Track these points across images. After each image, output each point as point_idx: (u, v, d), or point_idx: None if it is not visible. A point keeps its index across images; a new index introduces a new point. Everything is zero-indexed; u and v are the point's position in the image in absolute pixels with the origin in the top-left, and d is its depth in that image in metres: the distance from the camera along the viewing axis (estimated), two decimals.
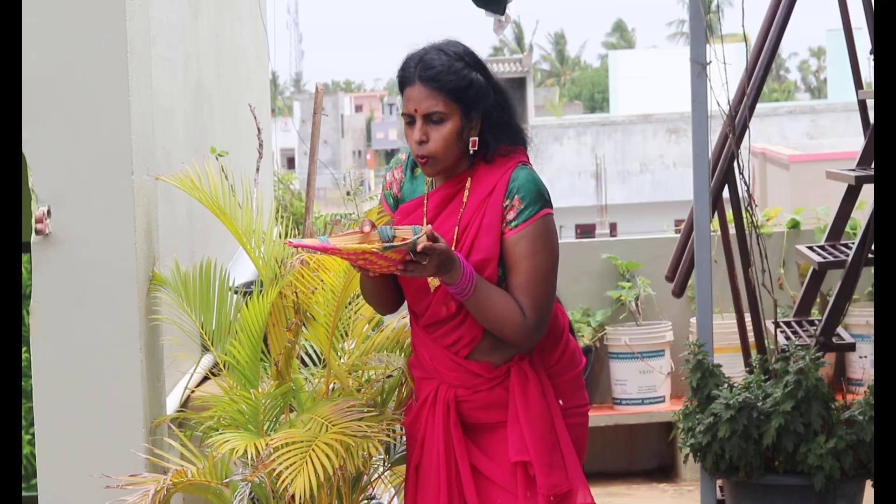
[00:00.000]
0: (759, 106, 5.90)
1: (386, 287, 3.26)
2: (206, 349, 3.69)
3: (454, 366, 3.20)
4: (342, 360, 3.49)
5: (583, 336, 6.42)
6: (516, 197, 3.13)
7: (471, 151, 3.16)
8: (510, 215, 3.13)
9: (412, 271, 3.00)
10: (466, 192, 3.19)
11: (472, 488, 3.22)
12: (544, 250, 3.14)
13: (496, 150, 3.18)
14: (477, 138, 3.16)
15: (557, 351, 3.26)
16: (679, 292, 5.41)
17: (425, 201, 3.23)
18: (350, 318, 3.55)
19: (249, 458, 3.19)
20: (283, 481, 3.06)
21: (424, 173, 3.21)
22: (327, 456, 3.09)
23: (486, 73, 3.18)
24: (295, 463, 3.09)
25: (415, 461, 3.27)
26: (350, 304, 3.54)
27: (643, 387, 6.39)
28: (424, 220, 3.21)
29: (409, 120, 3.14)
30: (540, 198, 3.14)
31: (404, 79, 3.15)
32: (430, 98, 3.11)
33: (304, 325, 3.43)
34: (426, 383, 3.27)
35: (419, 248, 2.95)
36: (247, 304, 3.40)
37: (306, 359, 3.70)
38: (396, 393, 3.49)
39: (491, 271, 3.14)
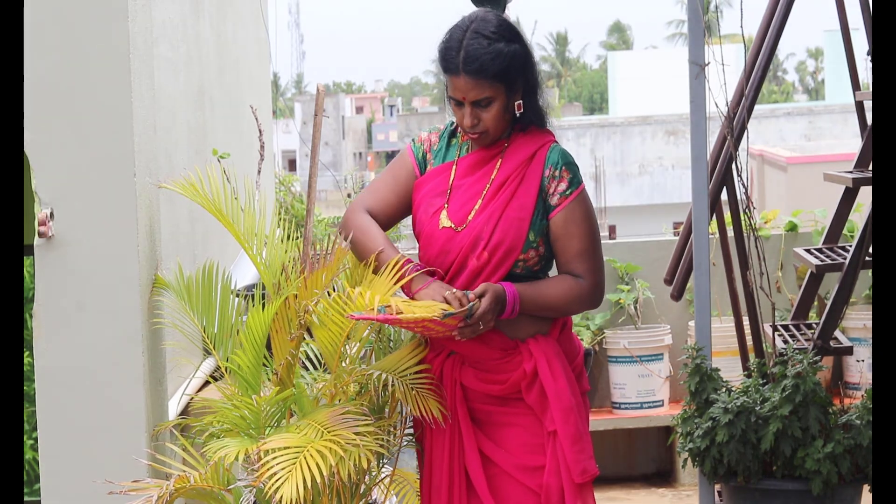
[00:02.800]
0: (756, 107, 5.90)
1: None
2: (208, 353, 3.69)
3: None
4: (345, 364, 3.48)
5: (582, 340, 6.43)
6: (564, 168, 3.28)
7: (517, 114, 3.30)
8: (562, 186, 3.28)
9: (469, 334, 3.17)
10: (500, 160, 3.31)
11: (477, 466, 3.27)
12: (592, 216, 3.34)
13: (534, 118, 3.33)
14: (522, 101, 3.30)
15: (555, 328, 3.35)
16: (678, 295, 5.41)
17: (454, 167, 3.34)
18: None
19: (251, 463, 3.18)
20: (269, 487, 3.04)
21: (478, 145, 3.34)
22: (317, 464, 3.07)
23: (521, 40, 3.32)
24: (285, 468, 3.07)
25: (424, 443, 3.35)
26: None
27: (642, 391, 6.40)
28: (450, 183, 3.32)
29: (457, 103, 3.28)
30: (579, 171, 3.32)
31: (447, 68, 3.27)
32: (477, 87, 3.23)
33: (309, 333, 3.42)
34: (433, 361, 3.34)
35: (476, 316, 3.14)
36: (249, 307, 3.39)
37: (307, 364, 3.69)
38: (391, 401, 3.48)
39: (522, 234, 3.24)
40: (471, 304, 3.12)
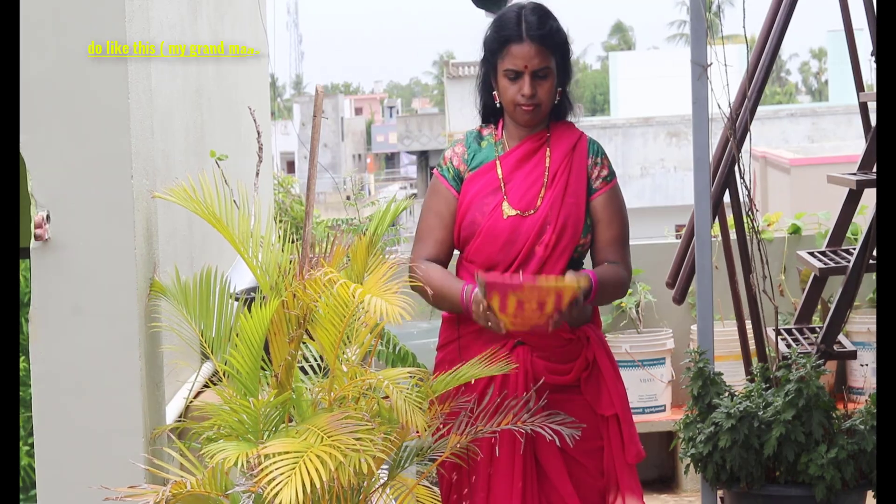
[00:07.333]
0: (759, 108, 5.87)
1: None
2: (205, 357, 3.67)
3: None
4: (344, 369, 3.45)
5: None
6: (603, 157, 3.47)
7: (556, 101, 3.42)
8: (604, 172, 3.45)
9: (557, 323, 3.21)
10: (548, 148, 3.42)
11: (553, 451, 3.32)
12: (625, 207, 3.48)
13: (568, 107, 3.48)
14: (561, 88, 3.43)
15: (595, 315, 3.51)
16: (680, 299, 5.39)
17: (498, 164, 3.41)
18: (353, 325, 3.52)
19: (249, 468, 3.15)
20: (268, 492, 3.01)
21: (526, 123, 3.41)
22: (317, 469, 3.04)
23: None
24: (284, 473, 3.05)
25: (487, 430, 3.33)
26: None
27: (644, 395, 6.37)
28: (501, 178, 3.38)
29: (514, 76, 3.35)
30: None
31: (509, 37, 3.34)
32: (540, 56, 3.34)
33: (308, 333, 3.39)
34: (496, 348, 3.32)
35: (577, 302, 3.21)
36: (248, 311, 3.37)
37: (307, 367, 3.67)
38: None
39: (581, 217, 3.36)
40: (578, 284, 3.18)
